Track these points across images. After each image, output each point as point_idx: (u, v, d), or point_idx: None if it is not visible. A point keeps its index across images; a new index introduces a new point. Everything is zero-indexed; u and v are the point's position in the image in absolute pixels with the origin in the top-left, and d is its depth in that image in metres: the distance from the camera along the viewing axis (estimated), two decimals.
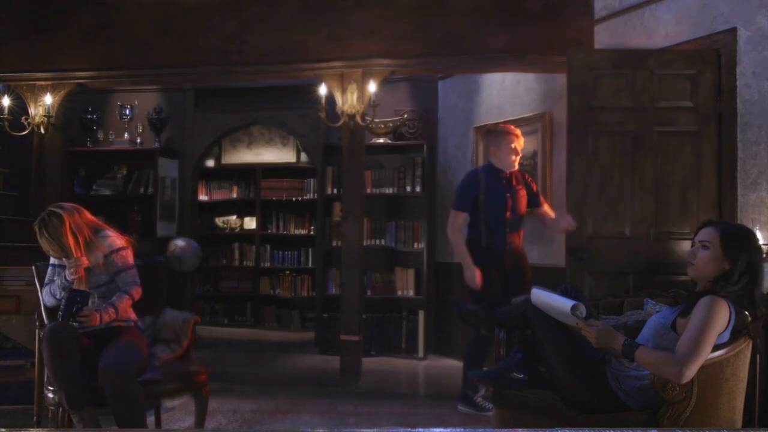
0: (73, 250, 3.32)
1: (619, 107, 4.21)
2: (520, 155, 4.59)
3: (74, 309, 3.19)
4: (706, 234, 2.69)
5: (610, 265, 4.13)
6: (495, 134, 4.58)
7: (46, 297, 3.44)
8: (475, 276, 4.32)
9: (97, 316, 3.24)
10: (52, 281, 3.44)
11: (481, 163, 6.00)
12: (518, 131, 4.60)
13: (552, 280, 4.15)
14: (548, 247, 5.19)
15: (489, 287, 4.34)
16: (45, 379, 3.27)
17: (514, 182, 4.55)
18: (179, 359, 3.65)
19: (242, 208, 8.53)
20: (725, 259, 2.63)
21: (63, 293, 3.30)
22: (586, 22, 4.92)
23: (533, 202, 4.62)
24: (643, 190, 4.17)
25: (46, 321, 3.43)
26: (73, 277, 3.32)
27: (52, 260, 3.48)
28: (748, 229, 2.79)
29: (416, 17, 5.19)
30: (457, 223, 4.47)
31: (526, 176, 4.72)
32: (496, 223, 4.45)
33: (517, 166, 4.56)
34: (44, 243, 3.35)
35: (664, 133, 4.22)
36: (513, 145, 4.48)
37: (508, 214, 4.47)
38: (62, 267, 3.41)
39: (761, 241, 3.55)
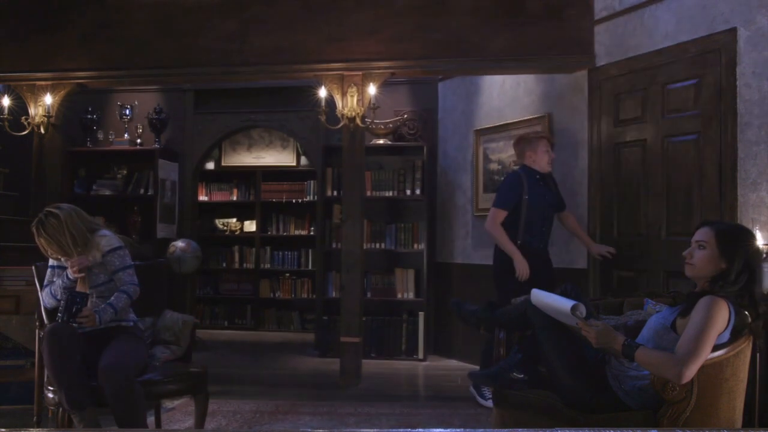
0: (72, 250, 3.31)
1: (635, 120, 4.62)
2: (554, 157, 4.82)
3: (74, 310, 3.19)
4: (703, 234, 2.69)
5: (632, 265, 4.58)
6: (531, 139, 4.77)
7: (46, 298, 3.43)
8: (526, 266, 4.51)
9: (96, 317, 3.24)
10: (51, 282, 3.45)
11: (481, 165, 6.02)
12: (549, 136, 4.91)
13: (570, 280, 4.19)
14: (563, 248, 5.20)
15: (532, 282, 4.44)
16: (45, 379, 3.27)
17: (550, 183, 4.79)
18: (179, 360, 3.66)
19: (242, 211, 8.53)
20: (722, 259, 2.62)
21: (63, 294, 3.29)
22: (587, 22, 4.93)
23: (561, 205, 4.85)
24: (654, 194, 4.46)
25: (46, 321, 3.43)
26: (76, 276, 3.32)
27: (51, 261, 3.48)
28: (745, 229, 2.78)
29: (416, 18, 5.19)
30: (498, 220, 4.64)
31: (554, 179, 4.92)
32: (537, 221, 4.66)
33: (550, 168, 4.78)
34: (42, 243, 3.35)
35: (672, 140, 4.37)
36: (547, 149, 4.71)
37: (546, 212, 4.71)
38: (62, 268, 3.42)
39: (762, 241, 3.55)
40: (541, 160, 4.69)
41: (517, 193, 4.62)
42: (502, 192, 4.74)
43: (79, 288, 3.33)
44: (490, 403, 4.34)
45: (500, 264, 4.68)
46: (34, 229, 3.33)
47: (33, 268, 3.57)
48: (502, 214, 4.64)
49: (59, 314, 3.21)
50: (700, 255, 2.66)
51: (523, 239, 4.61)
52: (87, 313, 3.21)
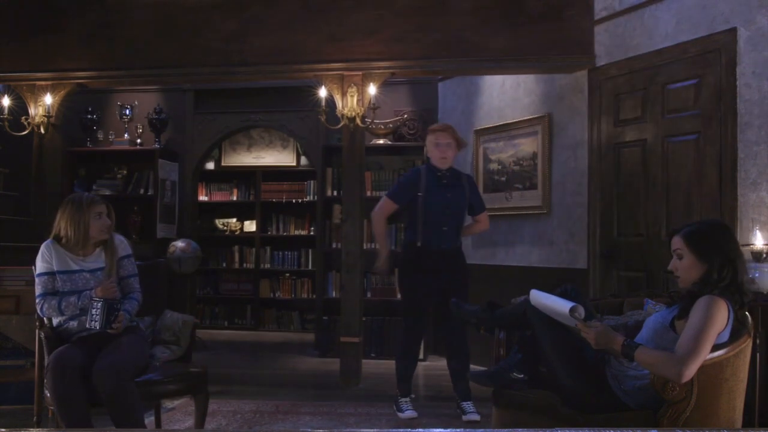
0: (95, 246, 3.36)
1: (635, 120, 4.62)
2: (450, 153, 4.49)
3: (112, 318, 3.21)
4: (675, 243, 2.68)
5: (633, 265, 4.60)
6: (426, 132, 4.66)
7: (49, 311, 3.28)
8: (386, 264, 4.54)
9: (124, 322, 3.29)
10: (53, 294, 3.30)
11: (481, 165, 6.01)
12: (442, 128, 4.55)
13: (551, 281, 4.17)
14: (563, 248, 5.20)
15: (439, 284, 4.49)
16: (45, 379, 3.26)
17: (456, 183, 4.52)
18: (179, 360, 3.66)
19: (242, 210, 8.54)
20: (700, 262, 2.60)
21: (93, 303, 3.21)
22: (586, 22, 4.93)
23: (472, 208, 4.62)
24: (654, 194, 4.46)
25: (46, 321, 3.41)
26: (110, 295, 3.27)
27: (40, 268, 3.31)
28: (713, 224, 2.76)
29: (416, 18, 5.19)
30: (385, 211, 4.54)
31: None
32: (436, 221, 4.45)
33: (444, 164, 4.47)
34: (98, 224, 3.32)
35: (672, 140, 4.37)
36: (437, 142, 4.44)
37: (446, 212, 4.45)
38: (65, 273, 3.30)
39: (762, 241, 3.55)
40: (432, 155, 4.48)
41: (410, 189, 4.44)
42: (397, 184, 4.65)
43: (99, 294, 3.26)
44: (408, 414, 4.35)
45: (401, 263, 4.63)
46: (99, 206, 3.35)
47: (33, 268, 3.57)
48: (391, 205, 4.50)
49: (93, 322, 3.18)
50: (680, 264, 2.66)
51: (422, 240, 4.39)
52: (121, 318, 3.24)
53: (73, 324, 3.30)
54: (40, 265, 3.33)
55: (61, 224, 3.34)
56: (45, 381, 3.06)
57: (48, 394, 3.13)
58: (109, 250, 3.41)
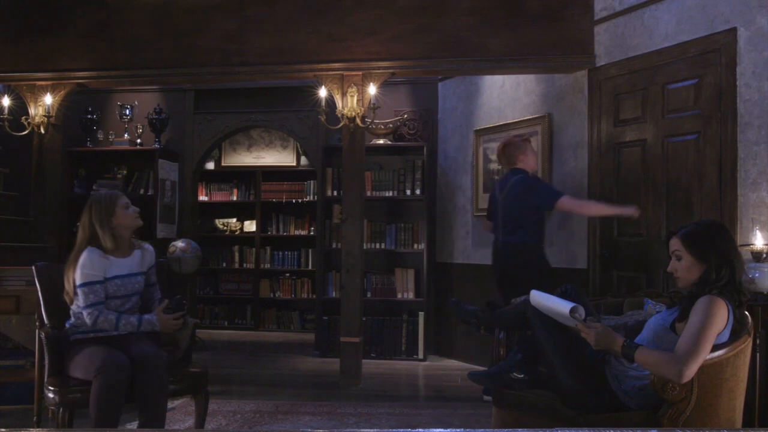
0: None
1: (635, 120, 4.63)
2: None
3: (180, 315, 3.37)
4: (673, 244, 2.70)
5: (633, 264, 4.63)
6: (518, 143, 4.85)
7: (104, 324, 3.21)
8: (635, 209, 4.42)
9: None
10: (102, 303, 3.24)
11: (481, 165, 6.02)
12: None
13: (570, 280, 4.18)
14: (563, 248, 5.20)
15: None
16: (45, 379, 3.27)
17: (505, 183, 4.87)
18: (179, 361, 3.65)
19: (242, 211, 8.54)
20: (698, 262, 2.62)
21: (140, 327, 3.28)
22: (586, 22, 4.93)
23: (513, 205, 4.87)
24: (655, 194, 4.47)
25: (46, 321, 3.42)
26: (170, 331, 3.37)
27: (86, 277, 3.22)
28: (710, 225, 2.76)
29: (416, 18, 5.19)
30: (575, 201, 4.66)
31: None
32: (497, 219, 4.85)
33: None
34: (128, 215, 3.40)
35: (672, 140, 4.38)
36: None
37: (499, 210, 4.85)
38: (116, 279, 3.31)
39: (762, 241, 3.55)
40: (532, 161, 4.85)
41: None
42: (548, 187, 4.79)
43: (161, 329, 3.36)
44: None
45: (525, 261, 4.67)
46: (118, 191, 3.47)
47: (33, 268, 3.56)
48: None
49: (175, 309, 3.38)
50: (679, 266, 2.67)
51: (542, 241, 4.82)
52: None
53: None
54: (83, 274, 3.22)
55: (95, 226, 3.30)
56: (95, 384, 2.99)
57: (48, 395, 3.13)
58: (145, 257, 3.50)
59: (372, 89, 5.14)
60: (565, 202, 4.54)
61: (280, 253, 8.29)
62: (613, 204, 4.60)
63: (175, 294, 3.63)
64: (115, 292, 3.30)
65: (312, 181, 8.00)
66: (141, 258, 3.46)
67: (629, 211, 4.40)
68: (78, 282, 3.22)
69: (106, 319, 3.21)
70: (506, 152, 4.80)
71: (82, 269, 3.22)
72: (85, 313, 3.20)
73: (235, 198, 8.43)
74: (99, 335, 3.24)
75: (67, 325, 3.34)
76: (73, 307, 3.29)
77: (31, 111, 5.60)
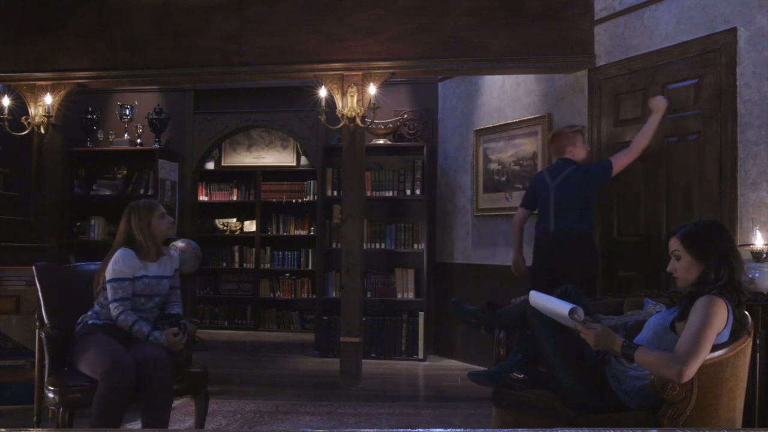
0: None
1: (635, 120, 4.60)
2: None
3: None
4: (673, 244, 2.70)
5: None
6: (568, 134, 4.72)
7: (123, 323, 3.31)
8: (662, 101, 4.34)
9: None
10: (128, 299, 3.38)
11: (481, 165, 6.02)
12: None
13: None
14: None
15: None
16: (45, 379, 3.27)
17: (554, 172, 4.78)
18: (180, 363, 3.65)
19: (242, 211, 8.54)
20: (698, 262, 2.62)
21: (151, 336, 3.32)
22: (586, 22, 4.93)
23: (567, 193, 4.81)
24: (655, 194, 4.46)
25: (46, 321, 3.42)
26: (175, 349, 3.37)
27: (116, 273, 3.36)
28: (709, 225, 2.77)
29: (416, 18, 5.19)
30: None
31: None
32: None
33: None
34: (163, 224, 3.50)
35: (672, 140, 4.38)
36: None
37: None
38: (144, 278, 3.43)
39: (762, 241, 3.55)
40: (582, 151, 4.68)
41: None
42: (593, 164, 4.71)
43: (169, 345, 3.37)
44: None
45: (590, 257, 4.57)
46: (155, 201, 3.62)
47: (33, 267, 3.56)
48: None
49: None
50: (678, 265, 2.67)
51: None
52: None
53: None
54: (114, 270, 3.37)
55: (131, 232, 3.46)
56: (100, 387, 3.05)
57: (48, 395, 3.13)
58: (171, 263, 3.60)
59: (372, 89, 5.14)
60: (620, 161, 4.45)
61: (280, 253, 8.30)
62: (644, 126, 4.39)
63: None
64: (141, 290, 3.43)
65: (312, 181, 8.01)
66: (168, 263, 3.59)
67: (662, 106, 4.30)
68: (108, 277, 3.38)
69: (125, 320, 3.32)
70: (556, 141, 4.74)
71: (113, 266, 3.39)
72: (112, 306, 3.34)
73: (235, 198, 8.43)
74: (109, 323, 3.35)
75: (89, 312, 3.41)
76: (101, 299, 3.42)
77: (31, 111, 5.60)
